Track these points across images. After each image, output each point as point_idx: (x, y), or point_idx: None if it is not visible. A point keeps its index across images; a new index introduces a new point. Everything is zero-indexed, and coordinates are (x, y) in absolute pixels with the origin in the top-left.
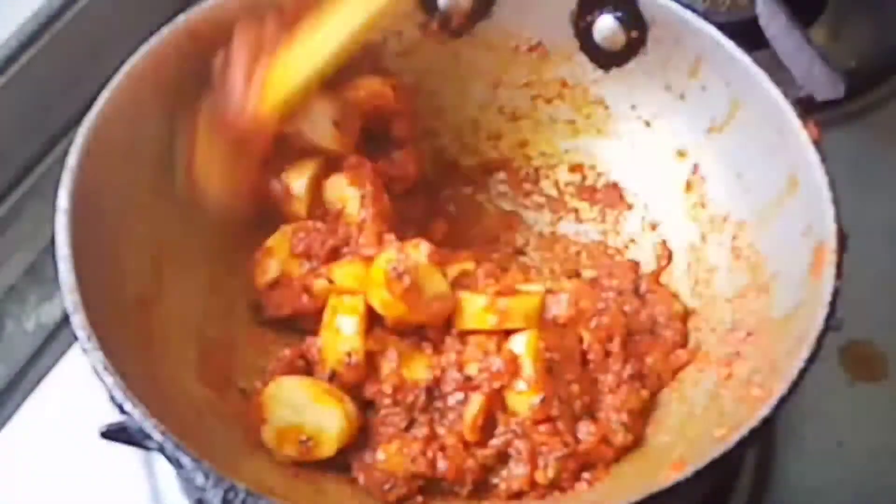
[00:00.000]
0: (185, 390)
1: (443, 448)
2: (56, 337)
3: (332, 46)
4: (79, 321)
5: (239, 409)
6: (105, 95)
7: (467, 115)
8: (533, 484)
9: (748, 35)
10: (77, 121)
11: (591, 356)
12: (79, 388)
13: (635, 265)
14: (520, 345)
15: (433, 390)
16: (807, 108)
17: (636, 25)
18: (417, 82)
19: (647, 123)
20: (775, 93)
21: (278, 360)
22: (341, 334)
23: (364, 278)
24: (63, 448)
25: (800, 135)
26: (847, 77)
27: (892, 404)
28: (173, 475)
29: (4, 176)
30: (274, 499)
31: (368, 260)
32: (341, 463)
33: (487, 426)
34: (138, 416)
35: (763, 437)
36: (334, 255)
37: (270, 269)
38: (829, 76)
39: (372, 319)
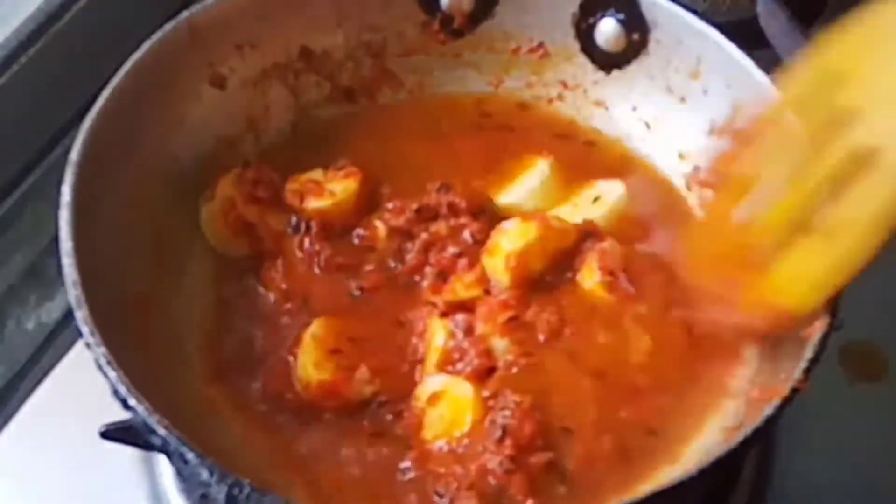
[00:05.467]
0: (185, 387)
1: None
2: (56, 337)
3: None
4: (82, 316)
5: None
6: (107, 92)
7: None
8: None
9: (748, 35)
10: (77, 120)
11: None
12: (79, 388)
13: None
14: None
15: None
16: None
17: (638, 28)
18: (418, 82)
19: (648, 125)
20: (776, 95)
21: None
22: None
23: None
24: (63, 448)
25: None
26: None
27: (892, 404)
28: (173, 475)
29: (5, 175)
30: (277, 494)
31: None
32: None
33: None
34: (142, 411)
35: (765, 437)
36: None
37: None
38: None
39: None
